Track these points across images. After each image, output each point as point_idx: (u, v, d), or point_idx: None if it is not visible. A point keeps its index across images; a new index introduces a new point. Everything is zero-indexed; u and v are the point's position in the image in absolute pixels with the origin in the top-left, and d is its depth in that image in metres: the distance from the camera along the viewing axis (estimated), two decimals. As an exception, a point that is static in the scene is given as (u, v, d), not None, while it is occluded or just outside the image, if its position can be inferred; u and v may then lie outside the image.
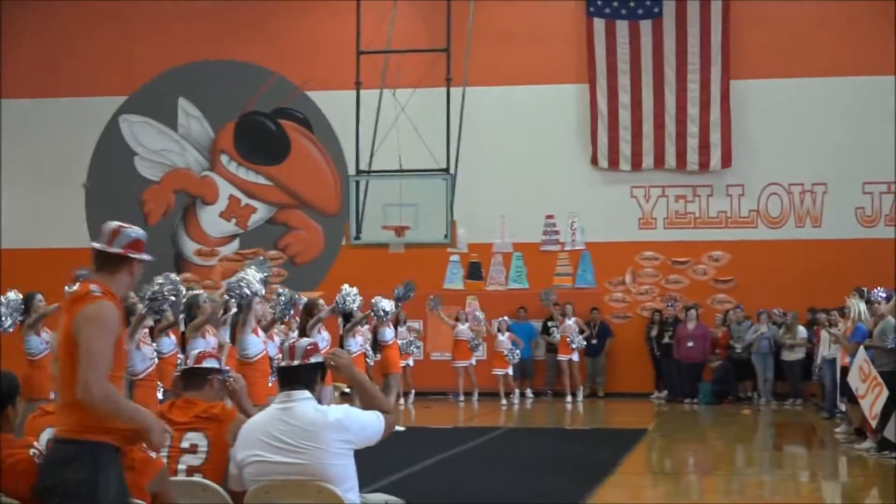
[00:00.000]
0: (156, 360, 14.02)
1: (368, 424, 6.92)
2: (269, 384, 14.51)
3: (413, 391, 27.58)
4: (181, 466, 7.21)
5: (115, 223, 6.32)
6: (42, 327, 14.79)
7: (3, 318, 14.82)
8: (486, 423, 23.41)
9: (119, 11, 30.38)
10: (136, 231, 6.33)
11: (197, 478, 7.16)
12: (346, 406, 6.99)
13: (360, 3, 26.45)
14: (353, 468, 6.90)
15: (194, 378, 7.50)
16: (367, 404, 7.11)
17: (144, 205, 30.29)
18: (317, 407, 6.91)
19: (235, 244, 30.19)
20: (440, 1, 26.37)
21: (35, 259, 29.30)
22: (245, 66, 29.97)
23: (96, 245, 6.24)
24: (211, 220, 30.29)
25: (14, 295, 15.00)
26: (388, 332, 21.75)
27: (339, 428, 6.80)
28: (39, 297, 14.76)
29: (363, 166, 26.26)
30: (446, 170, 25.59)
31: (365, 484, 13.49)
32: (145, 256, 6.32)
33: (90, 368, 5.91)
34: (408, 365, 26.42)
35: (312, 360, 7.04)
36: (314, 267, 29.57)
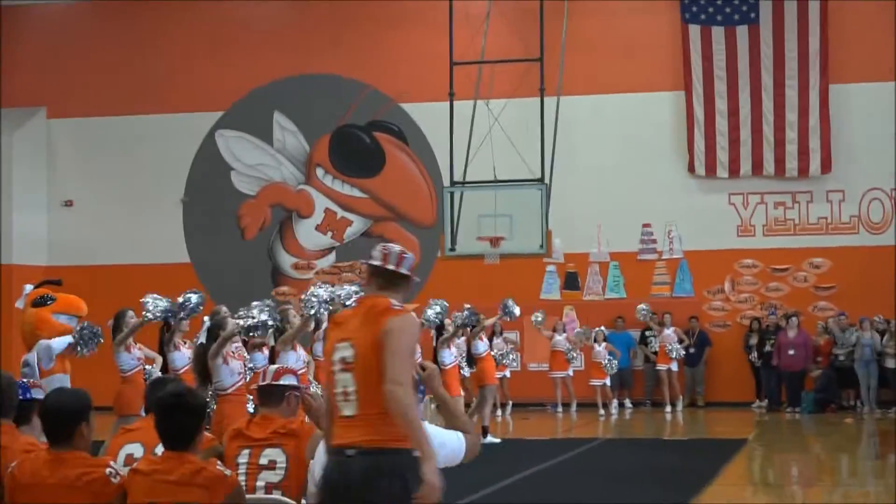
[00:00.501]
0: (246, 374, 14.01)
1: (447, 443, 6.73)
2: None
3: (510, 402, 27.48)
4: (260, 483, 7.14)
5: (398, 247, 6.72)
6: (133, 343, 14.79)
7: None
8: (583, 434, 23.27)
9: (213, 29, 30.63)
10: (412, 256, 6.75)
11: (276, 495, 7.08)
12: (425, 423, 6.85)
13: (453, 15, 26.42)
14: (433, 486, 6.74)
15: (272, 395, 7.46)
16: (450, 423, 6.96)
17: (241, 219, 30.47)
18: (394, 424, 6.76)
19: (332, 257, 30.25)
20: (533, 11, 26.27)
21: (132, 274, 29.53)
22: (339, 80, 30.03)
23: (388, 266, 6.58)
24: (307, 233, 30.38)
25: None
26: (481, 345, 21.41)
27: (416, 445, 6.65)
28: (130, 313, 14.77)
29: (457, 177, 26.21)
30: (541, 179, 25.47)
31: (462, 496, 13.47)
32: (417, 279, 6.82)
33: (401, 369, 6.19)
34: (505, 376, 26.31)
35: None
36: (410, 279, 29.48)
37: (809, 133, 28.08)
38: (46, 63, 31.03)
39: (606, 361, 26.61)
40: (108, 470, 6.36)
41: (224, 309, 13.76)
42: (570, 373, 27.10)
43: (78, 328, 12.31)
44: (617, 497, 14.52)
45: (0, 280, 27.93)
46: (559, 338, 26.99)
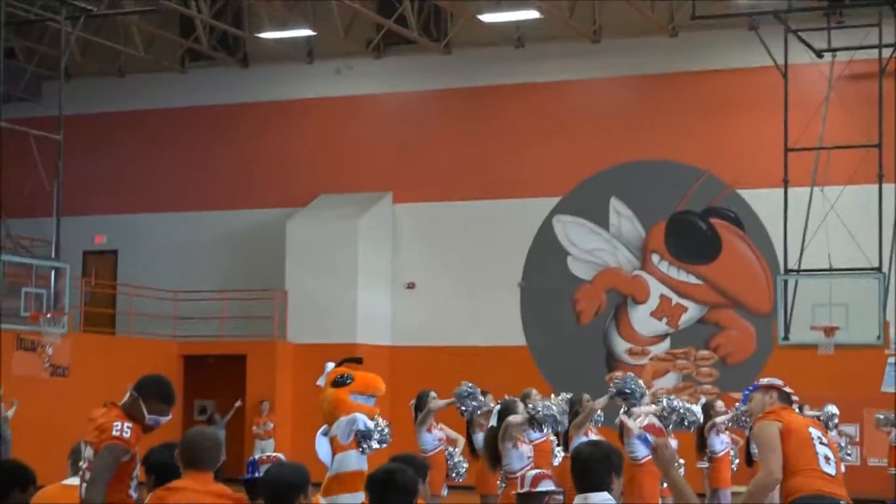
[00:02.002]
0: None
1: None
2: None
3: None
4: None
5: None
6: (434, 424, 15.00)
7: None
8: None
9: (551, 114, 31.01)
10: None
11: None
12: None
13: (788, 100, 26.11)
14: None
15: (531, 500, 7.47)
16: None
17: (577, 304, 30.67)
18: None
19: (666, 344, 30.06)
20: (871, 95, 25.73)
21: (471, 356, 30.07)
22: (675, 166, 29.93)
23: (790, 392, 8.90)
24: (642, 319, 30.31)
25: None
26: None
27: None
28: (433, 394, 15.04)
29: (792, 265, 25.77)
30: (878, 269, 24.77)
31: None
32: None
33: None
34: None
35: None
36: (746, 367, 28.88)
37: None
38: (393, 149, 32.16)
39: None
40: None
41: (513, 398, 13.89)
42: (911, 469, 26.02)
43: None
44: None
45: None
46: (898, 433, 25.96)
